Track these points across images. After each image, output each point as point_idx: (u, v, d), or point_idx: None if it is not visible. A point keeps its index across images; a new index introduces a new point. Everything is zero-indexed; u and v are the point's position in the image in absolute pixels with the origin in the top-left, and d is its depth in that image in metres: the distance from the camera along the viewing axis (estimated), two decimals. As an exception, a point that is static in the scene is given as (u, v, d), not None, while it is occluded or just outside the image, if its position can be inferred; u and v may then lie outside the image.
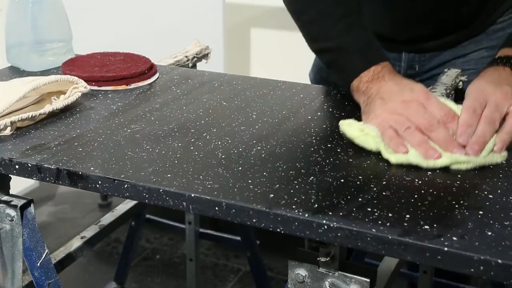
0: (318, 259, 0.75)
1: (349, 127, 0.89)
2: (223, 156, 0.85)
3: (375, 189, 0.75)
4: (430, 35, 1.23)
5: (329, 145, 0.88)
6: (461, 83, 1.24)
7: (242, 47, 2.52)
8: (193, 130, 0.94)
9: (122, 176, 0.79)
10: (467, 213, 0.70)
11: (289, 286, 0.79)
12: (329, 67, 1.08)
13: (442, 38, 1.23)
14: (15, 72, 1.23)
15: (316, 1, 1.02)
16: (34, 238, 0.95)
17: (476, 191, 0.75)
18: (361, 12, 1.04)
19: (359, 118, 0.97)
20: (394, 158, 0.82)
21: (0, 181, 0.95)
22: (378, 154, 0.85)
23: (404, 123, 0.86)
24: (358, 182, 0.77)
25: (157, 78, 1.18)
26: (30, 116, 0.95)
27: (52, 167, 0.82)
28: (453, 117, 0.86)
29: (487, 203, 0.72)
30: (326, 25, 1.02)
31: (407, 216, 0.69)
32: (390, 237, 0.66)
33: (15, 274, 0.96)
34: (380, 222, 0.68)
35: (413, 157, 0.82)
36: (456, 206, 0.72)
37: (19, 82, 1.03)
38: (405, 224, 0.68)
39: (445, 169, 0.81)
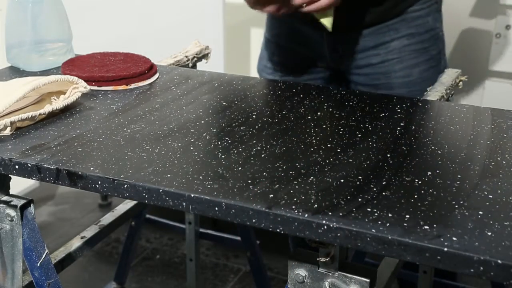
0: (318, 259, 0.75)
1: None
2: (223, 156, 0.85)
3: (375, 189, 0.75)
4: (346, 10, 1.23)
5: (329, 145, 0.88)
6: (461, 83, 1.24)
7: (242, 47, 2.52)
8: (193, 130, 0.94)
9: (121, 176, 0.79)
10: (467, 213, 0.70)
11: (289, 286, 0.79)
12: None
13: (357, 13, 1.26)
14: (15, 72, 1.23)
15: None
16: (34, 238, 0.95)
17: (476, 191, 0.75)
18: None
19: (359, 118, 0.97)
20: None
21: (0, 181, 0.95)
22: (378, 153, 0.85)
23: None
24: (358, 182, 0.77)
25: (157, 78, 1.18)
26: (30, 116, 0.95)
27: (52, 167, 0.82)
28: None
29: (487, 203, 0.72)
30: None
31: (407, 216, 0.69)
32: (390, 237, 0.66)
33: (15, 274, 0.96)
34: (380, 222, 0.68)
35: None
36: (456, 206, 0.72)
37: (19, 82, 1.03)
38: (405, 224, 0.68)
39: (445, 169, 0.81)
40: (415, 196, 0.74)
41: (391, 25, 1.28)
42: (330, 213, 0.70)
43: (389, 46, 1.29)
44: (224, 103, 1.05)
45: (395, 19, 1.29)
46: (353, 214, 0.70)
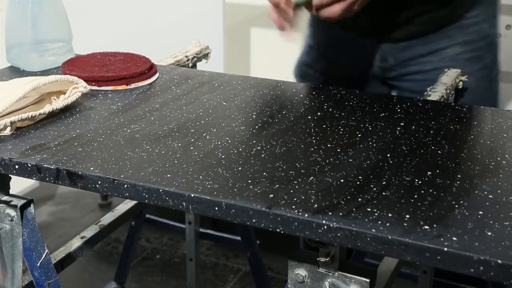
0: (318, 259, 0.75)
1: None
2: (223, 156, 0.85)
3: (375, 189, 0.75)
4: (397, 20, 1.22)
5: (329, 145, 0.88)
6: (461, 83, 1.24)
7: (242, 47, 2.52)
8: (193, 130, 0.94)
9: (121, 176, 0.79)
10: (467, 213, 0.70)
11: (289, 286, 0.79)
12: None
13: (410, 23, 1.22)
14: (15, 72, 1.23)
15: None
16: (34, 238, 0.95)
17: (476, 191, 0.75)
18: None
19: (359, 118, 0.97)
20: None
21: (0, 181, 0.95)
22: (378, 153, 0.85)
23: None
24: (358, 182, 0.77)
25: (157, 78, 1.18)
26: (30, 116, 0.95)
27: (52, 167, 0.82)
28: None
29: (487, 203, 0.72)
30: None
31: (407, 216, 0.69)
32: (390, 237, 0.66)
33: (15, 274, 0.96)
34: (380, 222, 0.68)
35: None
36: (456, 206, 0.72)
37: (19, 82, 1.03)
38: (405, 224, 0.68)
39: (445, 169, 0.81)
40: (415, 196, 0.74)
41: (445, 32, 1.23)
42: (330, 213, 0.70)
43: (442, 54, 1.25)
44: (224, 103, 1.05)
45: (450, 26, 1.24)
46: (353, 214, 0.70)
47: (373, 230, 0.67)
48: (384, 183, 0.77)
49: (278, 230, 0.71)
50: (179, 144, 0.89)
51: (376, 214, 0.70)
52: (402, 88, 1.34)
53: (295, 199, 0.73)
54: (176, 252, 2.22)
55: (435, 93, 1.15)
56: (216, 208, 0.74)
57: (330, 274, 0.76)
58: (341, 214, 0.70)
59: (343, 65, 1.39)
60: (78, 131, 0.94)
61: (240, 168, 0.81)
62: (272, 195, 0.74)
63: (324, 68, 1.44)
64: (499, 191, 0.75)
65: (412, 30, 1.24)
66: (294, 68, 1.53)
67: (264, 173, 0.80)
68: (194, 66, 1.40)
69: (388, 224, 0.68)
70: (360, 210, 0.71)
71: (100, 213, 2.43)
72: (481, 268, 0.62)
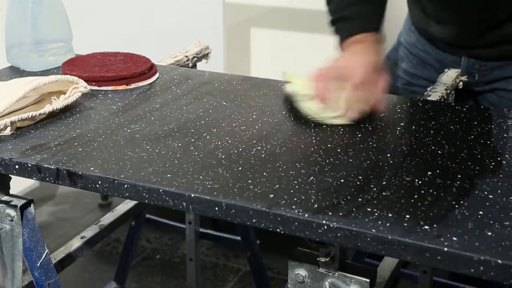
0: (318, 259, 0.75)
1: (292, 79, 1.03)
2: (223, 156, 0.85)
3: (375, 189, 0.75)
4: (490, 41, 1.22)
5: (329, 145, 0.88)
6: (461, 83, 1.24)
7: (242, 47, 2.52)
8: (193, 130, 0.94)
9: (122, 176, 0.79)
10: (467, 213, 0.70)
11: (289, 286, 0.79)
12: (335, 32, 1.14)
13: (502, 46, 1.22)
14: (15, 72, 1.23)
15: None
16: (34, 238, 0.95)
17: (476, 191, 0.75)
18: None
19: (359, 119, 0.97)
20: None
21: (0, 181, 0.95)
22: (378, 153, 0.85)
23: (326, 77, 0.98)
24: (358, 182, 0.77)
25: (157, 78, 1.18)
26: (30, 116, 0.95)
27: (52, 167, 0.82)
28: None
29: (487, 203, 0.72)
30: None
31: (407, 216, 0.69)
32: (390, 237, 0.66)
33: (15, 274, 0.96)
34: (380, 222, 0.68)
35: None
36: (456, 206, 0.72)
37: (19, 82, 1.03)
38: (405, 224, 0.68)
39: (445, 169, 0.81)
40: (415, 196, 0.74)
41: None
42: (330, 213, 0.70)
43: None
44: (224, 103, 1.05)
45: None
46: (353, 214, 0.70)
47: (373, 230, 0.67)
48: (384, 183, 0.77)
49: (278, 230, 0.71)
50: (179, 144, 0.89)
51: (376, 214, 0.70)
52: (482, 100, 1.32)
53: (295, 199, 0.73)
54: (176, 252, 2.22)
55: (435, 93, 1.15)
56: (216, 208, 0.74)
57: (330, 274, 0.76)
58: (341, 214, 0.70)
59: (426, 68, 1.36)
60: (78, 131, 0.94)
61: (240, 168, 0.81)
62: (272, 195, 0.74)
63: (407, 67, 1.41)
64: (499, 191, 0.75)
65: (506, 51, 1.23)
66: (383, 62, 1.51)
67: (264, 173, 0.80)
68: (194, 66, 1.40)
69: (388, 224, 0.68)
70: (360, 210, 0.71)
71: (100, 213, 2.43)
72: (481, 268, 0.62)
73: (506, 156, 0.85)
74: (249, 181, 0.77)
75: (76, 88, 1.04)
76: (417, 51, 1.36)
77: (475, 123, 0.96)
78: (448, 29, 1.24)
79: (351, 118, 0.95)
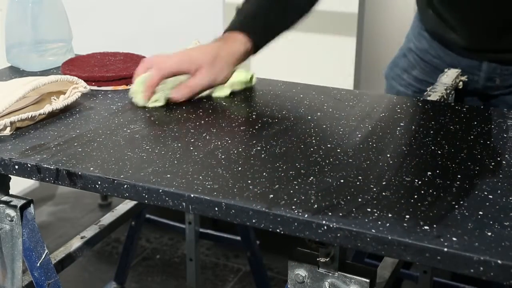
0: (317, 259, 0.75)
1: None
2: (223, 156, 0.85)
3: (375, 189, 0.75)
4: (510, 45, 1.20)
5: (329, 145, 0.88)
6: (461, 83, 1.24)
7: (242, 47, 2.52)
8: (193, 130, 0.94)
9: (121, 176, 0.79)
10: (467, 213, 0.70)
11: (289, 286, 0.79)
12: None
13: None
14: (15, 72, 1.23)
15: None
16: (34, 238, 0.95)
17: (476, 191, 0.75)
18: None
19: (359, 118, 0.97)
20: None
21: (0, 181, 0.95)
22: (378, 153, 0.85)
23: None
24: (358, 182, 0.77)
25: (157, 78, 1.18)
26: (29, 116, 0.95)
27: (52, 167, 0.82)
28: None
29: (487, 203, 0.72)
30: None
31: (407, 216, 0.69)
32: (390, 238, 0.66)
33: (15, 274, 0.96)
34: (380, 222, 0.68)
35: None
36: (456, 206, 0.72)
37: (19, 82, 1.03)
38: (405, 224, 0.68)
39: (445, 169, 0.81)
40: (415, 196, 0.74)
41: None
42: (330, 213, 0.70)
43: None
44: (224, 103, 1.05)
45: None
46: (353, 214, 0.70)
47: (373, 230, 0.67)
48: (384, 183, 0.77)
49: (278, 230, 0.71)
50: (179, 144, 0.89)
51: (376, 214, 0.70)
52: (503, 103, 1.30)
53: (295, 199, 0.73)
54: (176, 252, 2.22)
55: (435, 93, 1.15)
56: (216, 208, 0.74)
57: (330, 274, 0.76)
58: (341, 214, 0.70)
59: (433, 83, 1.31)
60: (78, 131, 0.94)
61: (240, 168, 0.81)
62: (272, 195, 0.74)
63: (421, 75, 1.37)
64: (499, 191, 0.75)
65: None
66: (385, 69, 1.47)
67: (264, 173, 0.80)
68: (194, 66, 1.39)
69: (388, 224, 0.68)
70: (360, 210, 0.70)
71: (100, 213, 2.43)
72: (481, 268, 0.62)
73: (506, 156, 0.85)
74: (249, 181, 0.77)
75: (75, 88, 1.04)
76: (430, 58, 1.34)
77: (475, 123, 0.96)
78: (466, 33, 1.22)
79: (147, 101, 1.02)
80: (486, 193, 0.75)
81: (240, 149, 0.87)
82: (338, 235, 0.68)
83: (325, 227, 0.68)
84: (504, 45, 1.21)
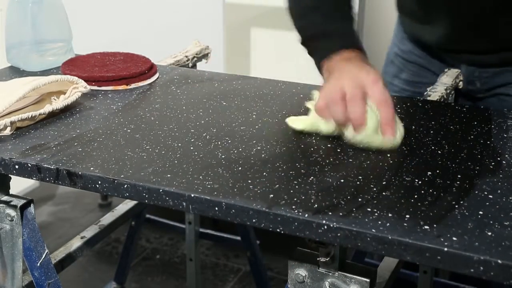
0: (318, 259, 0.75)
1: (296, 121, 0.92)
2: (223, 156, 0.85)
3: (375, 189, 0.75)
4: (488, 47, 1.19)
5: (329, 145, 0.88)
6: (461, 83, 1.24)
7: (242, 47, 2.52)
8: (193, 130, 0.94)
9: (121, 176, 0.79)
10: (467, 213, 0.70)
11: (289, 286, 0.79)
12: (309, 53, 1.09)
13: (502, 52, 1.19)
14: (15, 72, 1.23)
15: None
16: (34, 238, 0.95)
17: (476, 191, 0.75)
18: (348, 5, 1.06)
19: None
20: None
21: (0, 181, 0.95)
22: (378, 153, 0.85)
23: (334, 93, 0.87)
24: (358, 182, 0.77)
25: (157, 78, 1.18)
26: (30, 116, 0.95)
27: (52, 167, 0.82)
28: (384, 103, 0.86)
29: (487, 203, 0.72)
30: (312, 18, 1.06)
31: (407, 216, 0.69)
32: (390, 237, 0.66)
33: (15, 274, 0.96)
34: (380, 222, 0.68)
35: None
36: (456, 206, 0.72)
37: (19, 82, 1.03)
38: (405, 224, 0.68)
39: (445, 169, 0.81)
40: (415, 196, 0.74)
41: None
42: (330, 213, 0.70)
43: None
44: (224, 103, 1.05)
45: None
46: (353, 214, 0.70)
47: (373, 230, 0.67)
48: (384, 183, 0.77)
49: (278, 230, 0.71)
50: (179, 144, 0.89)
51: (376, 214, 0.70)
52: (487, 105, 1.27)
53: (295, 199, 0.73)
54: (176, 252, 2.22)
55: (435, 93, 1.15)
56: (216, 208, 0.74)
57: (330, 274, 0.76)
58: (341, 214, 0.70)
59: (428, 73, 1.32)
60: (78, 131, 0.94)
61: (240, 168, 0.81)
62: (272, 195, 0.74)
63: (409, 77, 1.35)
64: (499, 191, 0.75)
65: (505, 58, 1.20)
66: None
67: (264, 173, 0.80)
68: (194, 66, 1.40)
69: (388, 224, 0.68)
70: (360, 210, 0.71)
71: (100, 213, 2.43)
72: (481, 268, 0.62)
73: (506, 156, 0.85)
74: (249, 181, 0.77)
75: (76, 88, 1.04)
76: (415, 58, 1.33)
77: (475, 123, 0.96)
78: (440, 29, 1.21)
79: (394, 139, 0.85)
80: (486, 193, 0.75)
81: (240, 149, 0.87)
82: (338, 234, 0.68)
83: (325, 227, 0.68)
84: (480, 46, 1.20)
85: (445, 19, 1.19)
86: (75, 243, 1.25)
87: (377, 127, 0.85)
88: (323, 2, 1.05)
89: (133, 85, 1.14)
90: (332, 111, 0.87)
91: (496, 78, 1.23)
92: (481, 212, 0.70)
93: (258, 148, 0.87)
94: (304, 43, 1.08)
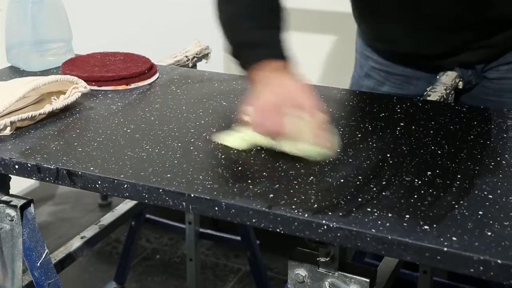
0: (318, 259, 0.75)
1: (237, 141, 0.88)
2: (223, 156, 0.85)
3: (375, 189, 0.75)
4: (462, 45, 1.19)
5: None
6: (460, 83, 1.24)
7: (242, 47, 2.52)
8: (193, 130, 0.94)
9: (121, 176, 0.79)
10: (467, 213, 0.70)
11: (289, 286, 0.79)
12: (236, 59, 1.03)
13: (479, 50, 1.19)
14: (15, 72, 1.23)
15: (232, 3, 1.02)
16: (34, 238, 0.95)
17: (476, 191, 0.75)
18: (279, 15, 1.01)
19: (359, 118, 0.97)
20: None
21: (0, 181, 0.95)
22: (378, 153, 0.85)
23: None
24: (358, 182, 0.77)
25: (157, 78, 1.18)
26: (30, 116, 0.95)
27: (52, 167, 0.82)
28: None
29: (487, 203, 0.72)
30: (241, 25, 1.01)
31: (407, 216, 0.69)
32: (390, 237, 0.66)
33: (15, 274, 0.96)
34: (380, 222, 0.68)
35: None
36: (456, 206, 0.72)
37: (19, 82, 1.03)
38: (405, 224, 0.68)
39: (445, 169, 0.81)
40: (415, 196, 0.74)
41: None
42: (330, 213, 0.70)
43: None
44: (224, 103, 1.05)
45: None
46: (353, 214, 0.70)
47: (373, 230, 0.67)
48: (384, 183, 0.77)
49: (278, 230, 0.71)
50: (179, 144, 0.89)
51: (376, 214, 0.70)
52: (479, 93, 1.27)
53: (295, 199, 0.73)
54: (176, 252, 2.22)
55: (435, 93, 1.15)
56: (216, 208, 0.74)
57: (330, 274, 0.76)
58: (341, 214, 0.70)
59: (414, 80, 1.29)
60: (78, 131, 0.94)
61: (240, 168, 0.81)
62: (272, 195, 0.74)
63: (394, 89, 1.30)
64: (499, 191, 0.75)
65: (483, 55, 1.21)
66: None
67: (264, 173, 0.80)
68: (194, 66, 1.40)
69: (388, 224, 0.68)
70: (360, 210, 0.71)
71: (100, 213, 2.42)
72: (481, 268, 0.62)
73: (506, 156, 0.85)
74: (249, 181, 0.77)
75: (76, 88, 1.04)
76: (402, 68, 1.28)
77: (475, 123, 0.96)
78: (408, 33, 1.18)
79: (327, 147, 0.84)
80: (486, 193, 0.75)
81: (240, 149, 0.87)
82: (338, 234, 0.68)
83: (325, 227, 0.68)
84: (447, 47, 1.19)
85: (412, 18, 1.16)
86: (75, 243, 1.24)
87: (312, 136, 0.84)
88: (251, 11, 1.01)
89: (133, 85, 1.14)
90: (267, 125, 0.86)
91: (489, 75, 1.22)
92: (481, 212, 0.70)
93: (258, 148, 0.87)
94: (231, 52, 1.03)
